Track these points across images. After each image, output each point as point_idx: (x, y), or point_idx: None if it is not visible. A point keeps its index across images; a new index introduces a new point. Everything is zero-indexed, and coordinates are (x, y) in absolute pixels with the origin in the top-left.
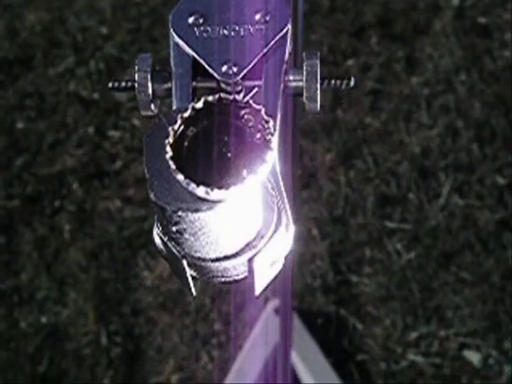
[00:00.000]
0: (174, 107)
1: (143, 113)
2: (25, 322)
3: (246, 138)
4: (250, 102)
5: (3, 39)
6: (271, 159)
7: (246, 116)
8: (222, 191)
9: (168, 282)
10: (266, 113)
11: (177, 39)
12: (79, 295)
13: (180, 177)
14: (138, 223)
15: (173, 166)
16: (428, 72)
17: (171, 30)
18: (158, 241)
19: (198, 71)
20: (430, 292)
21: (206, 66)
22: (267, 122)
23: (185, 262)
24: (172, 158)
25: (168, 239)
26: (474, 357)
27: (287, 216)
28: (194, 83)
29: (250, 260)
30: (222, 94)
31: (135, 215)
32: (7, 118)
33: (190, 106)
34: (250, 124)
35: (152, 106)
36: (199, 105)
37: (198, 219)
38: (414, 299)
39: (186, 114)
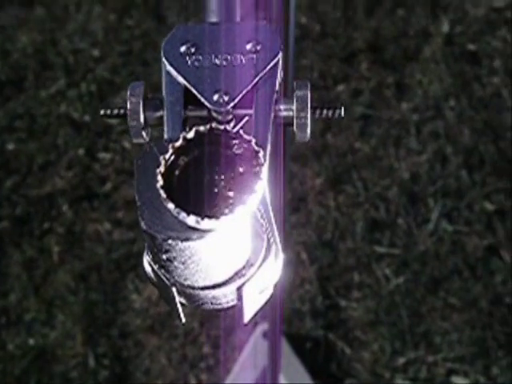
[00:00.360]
0: (166, 136)
1: (135, 140)
2: (12, 343)
3: (236, 168)
4: (241, 132)
5: None
6: (261, 189)
7: (236, 146)
8: (213, 221)
9: (156, 305)
10: (256, 143)
11: (169, 67)
12: (67, 317)
13: (170, 206)
14: (127, 246)
15: (163, 195)
16: (417, 98)
17: (163, 58)
18: (147, 268)
19: (189, 100)
20: (419, 317)
21: (198, 95)
22: (257, 152)
23: (174, 290)
24: (163, 186)
25: (158, 267)
26: (461, 383)
27: (276, 245)
28: (185, 112)
29: (239, 288)
30: (213, 124)
31: (124, 238)
32: None
33: (182, 136)
34: (241, 154)
35: (144, 134)
36: (190, 135)
37: (188, 248)
38: (403, 324)
39: (178, 144)
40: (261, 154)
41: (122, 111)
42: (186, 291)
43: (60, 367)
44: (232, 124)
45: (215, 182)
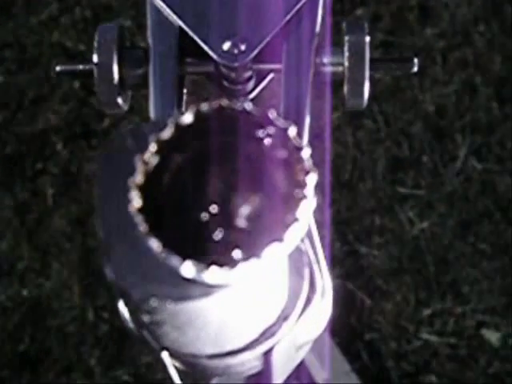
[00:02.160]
0: (152, 111)
1: (107, 110)
2: (4, 295)
3: (264, 178)
4: (270, 114)
5: None
6: (307, 215)
7: (263, 138)
8: (224, 271)
9: None
10: (298, 133)
11: (157, 0)
12: (63, 266)
13: (154, 244)
14: None
15: (142, 226)
16: (444, 23)
17: None
18: (125, 314)
19: (187, 49)
20: (445, 265)
21: (200, 43)
22: (299, 149)
23: (165, 355)
24: (142, 210)
25: (136, 325)
26: (492, 336)
27: (323, 276)
28: (181, 68)
29: (267, 353)
30: (223, 102)
31: None
32: None
33: (172, 122)
34: (271, 153)
35: (119, 100)
36: (187, 119)
37: (184, 310)
38: (428, 273)
39: (166, 135)
40: (304, 154)
41: (87, 66)
42: (183, 358)
43: (56, 321)
44: (251, 85)
45: (228, 202)
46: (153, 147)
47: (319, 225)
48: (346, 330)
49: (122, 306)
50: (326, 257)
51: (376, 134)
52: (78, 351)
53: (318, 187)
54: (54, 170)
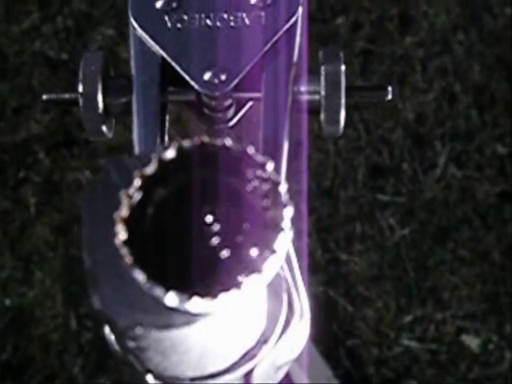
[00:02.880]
0: (135, 135)
1: (92, 137)
2: None
3: (243, 211)
4: (249, 150)
5: None
6: (284, 247)
7: (244, 174)
8: (206, 301)
9: None
10: (277, 159)
11: (139, 31)
12: (46, 275)
13: (139, 275)
14: None
15: (127, 258)
16: (423, 31)
17: (131, 17)
18: (110, 338)
19: (169, 78)
20: (426, 271)
21: (182, 73)
22: (277, 184)
23: (150, 377)
24: (127, 242)
25: (122, 349)
26: (472, 342)
27: (300, 299)
28: (163, 96)
29: (248, 375)
30: (205, 139)
31: None
32: None
33: (155, 158)
34: (251, 187)
35: (103, 128)
36: (169, 154)
37: (168, 337)
38: (409, 279)
39: (149, 171)
40: (282, 188)
41: (73, 95)
42: (167, 381)
43: (39, 329)
44: (231, 113)
45: (210, 235)
46: (137, 182)
47: (301, 233)
48: (328, 337)
49: (107, 331)
50: (305, 266)
51: (356, 142)
52: (61, 359)
53: (300, 194)
54: (37, 179)
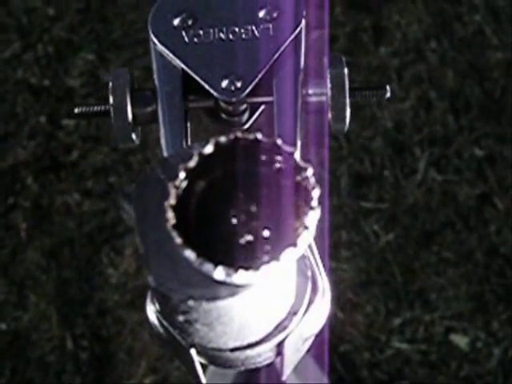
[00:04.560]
0: (163, 139)
1: (122, 144)
2: None
3: (277, 194)
4: (278, 141)
5: None
6: (314, 222)
7: (275, 163)
8: (250, 273)
9: (135, 278)
10: (301, 157)
11: (160, 47)
12: (40, 298)
13: (189, 254)
14: (99, 217)
15: (178, 239)
16: (397, 42)
17: (152, 35)
18: (154, 321)
19: (190, 87)
20: (412, 274)
21: (201, 82)
22: (304, 169)
23: (193, 351)
24: (176, 226)
25: (170, 325)
26: (461, 341)
27: (322, 278)
28: (185, 104)
29: (280, 344)
30: (239, 134)
31: (95, 208)
32: None
33: (196, 152)
34: (281, 174)
35: (133, 136)
36: (208, 149)
37: (215, 309)
38: (396, 283)
39: (192, 164)
40: (309, 172)
41: (103, 108)
42: (209, 353)
43: (36, 352)
44: (245, 117)
45: (250, 216)
46: (182, 174)
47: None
48: (320, 343)
49: (150, 315)
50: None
51: (338, 152)
52: (60, 380)
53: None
54: (26, 204)
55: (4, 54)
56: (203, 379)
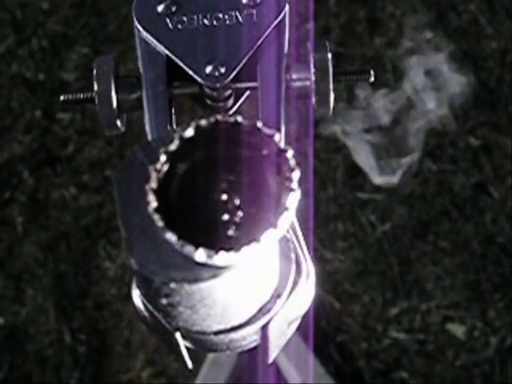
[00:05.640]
0: (148, 126)
1: (107, 131)
2: None
3: (257, 176)
4: (258, 124)
5: None
6: (294, 204)
7: (255, 145)
8: (231, 254)
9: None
10: (280, 139)
11: (144, 34)
12: (37, 292)
13: (170, 236)
14: (96, 210)
15: (159, 222)
16: (391, 32)
17: (136, 21)
18: (139, 305)
19: (174, 74)
20: (409, 264)
21: (186, 68)
22: (284, 151)
23: (178, 335)
24: (157, 209)
25: (155, 309)
26: (458, 330)
27: (306, 261)
28: (169, 90)
29: (264, 327)
30: (219, 117)
31: (92, 202)
32: None
33: (177, 136)
34: (263, 156)
35: (118, 123)
36: (189, 133)
37: (197, 291)
38: (392, 273)
39: (173, 147)
40: (289, 154)
41: (88, 95)
42: (193, 336)
43: (34, 346)
44: (231, 102)
45: (230, 198)
46: (163, 158)
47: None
48: (317, 334)
49: (136, 299)
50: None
51: (334, 143)
52: (58, 374)
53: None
54: (22, 198)
55: None
56: (190, 363)
